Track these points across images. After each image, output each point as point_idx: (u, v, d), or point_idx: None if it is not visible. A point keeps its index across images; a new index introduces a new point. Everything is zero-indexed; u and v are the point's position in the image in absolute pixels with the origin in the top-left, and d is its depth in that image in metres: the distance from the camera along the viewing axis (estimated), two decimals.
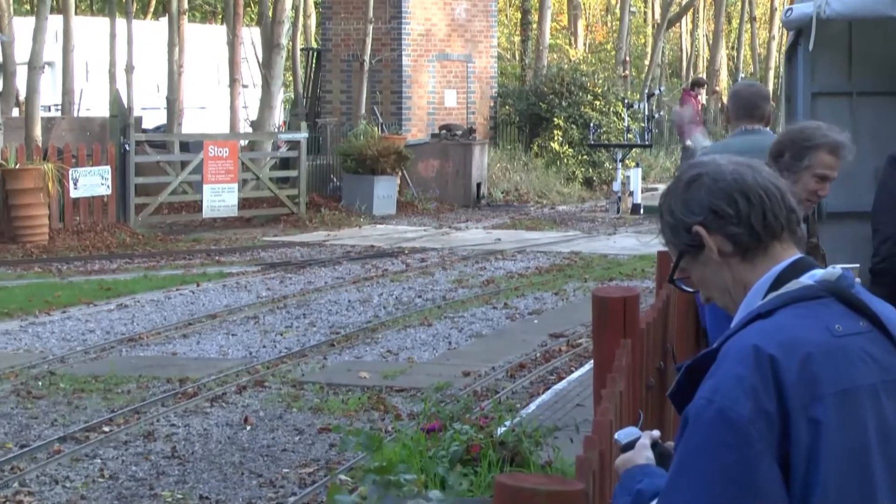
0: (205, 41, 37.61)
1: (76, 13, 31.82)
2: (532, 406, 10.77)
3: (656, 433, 3.11)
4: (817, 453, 2.61)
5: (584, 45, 50.80)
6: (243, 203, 25.67)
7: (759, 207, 2.80)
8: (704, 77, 43.10)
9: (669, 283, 2.97)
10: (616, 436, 3.17)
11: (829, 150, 5.73)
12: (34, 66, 23.84)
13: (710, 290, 2.89)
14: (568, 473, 6.61)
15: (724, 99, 46.14)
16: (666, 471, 2.93)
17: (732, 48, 55.08)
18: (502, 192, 30.75)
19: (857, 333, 2.72)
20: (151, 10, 49.48)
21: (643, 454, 3.02)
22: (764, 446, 2.59)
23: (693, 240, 2.84)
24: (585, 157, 32.65)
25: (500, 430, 7.42)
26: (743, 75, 43.93)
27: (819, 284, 2.76)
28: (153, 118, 32.97)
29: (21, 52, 25.52)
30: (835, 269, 2.81)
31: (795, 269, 2.79)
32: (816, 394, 2.63)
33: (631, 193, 27.76)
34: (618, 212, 27.52)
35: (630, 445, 3.08)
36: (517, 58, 43.82)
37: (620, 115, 32.12)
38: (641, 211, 27.03)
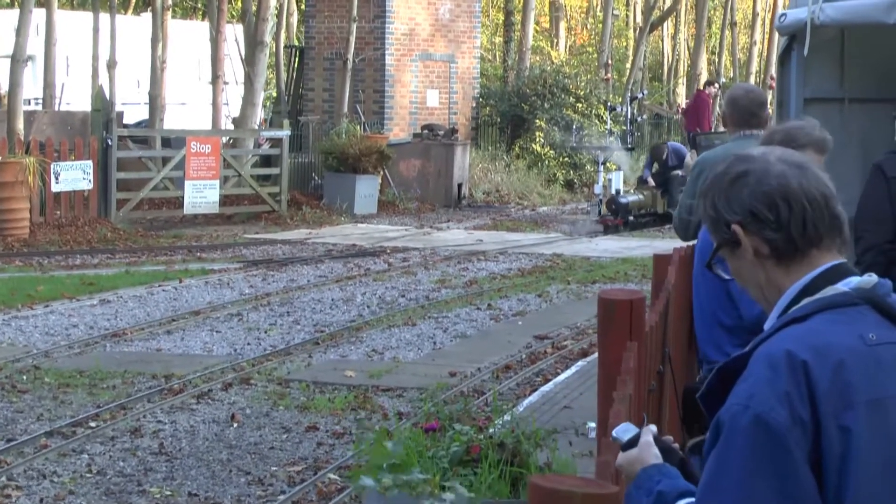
0: (187, 37, 37.48)
1: (57, 6, 31.70)
2: (520, 408, 10.76)
3: (654, 428, 3.07)
4: (848, 462, 2.59)
5: (566, 47, 50.85)
6: (224, 200, 25.62)
7: (799, 216, 2.76)
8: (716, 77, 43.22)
9: (706, 269, 2.95)
10: (614, 433, 3.10)
11: (816, 148, 5.76)
12: (17, 59, 23.74)
13: (745, 283, 2.87)
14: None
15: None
16: (673, 467, 2.92)
17: (713, 53, 55.21)
18: (483, 193, 30.75)
19: (891, 343, 2.70)
20: (132, 4, 49.30)
21: (651, 452, 2.98)
22: (800, 453, 2.58)
23: (732, 236, 2.82)
24: (566, 158, 32.66)
25: (493, 430, 7.41)
26: (724, 80, 43.98)
27: (855, 292, 2.74)
28: (134, 113, 32.88)
29: (1, 45, 25.41)
30: (871, 277, 2.78)
31: (830, 276, 2.77)
32: (848, 402, 2.61)
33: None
34: (599, 214, 27.51)
35: (631, 443, 3.04)
36: (499, 59, 43.84)
37: (602, 117, 32.15)
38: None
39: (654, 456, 2.96)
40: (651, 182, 26.37)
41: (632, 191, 26.82)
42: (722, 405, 2.70)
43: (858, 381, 2.63)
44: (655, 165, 26.59)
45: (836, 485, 2.59)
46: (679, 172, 25.64)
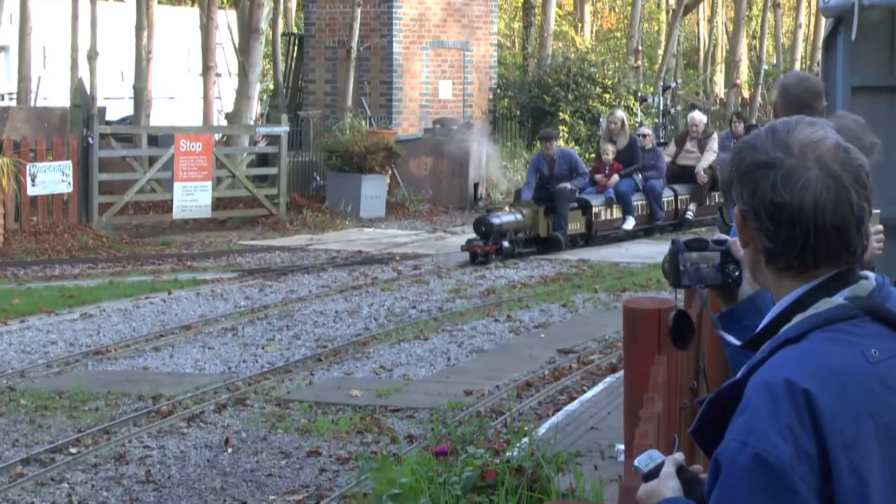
0: (175, 25, 37.64)
1: None
2: (542, 429, 10.78)
3: (680, 456, 3.04)
4: (867, 495, 2.60)
5: (592, 32, 50.88)
6: (217, 203, 25.67)
7: (799, 241, 2.72)
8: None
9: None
10: (636, 462, 3.09)
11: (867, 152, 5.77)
12: None
13: (740, 241, 2.89)
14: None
15: (745, 93, 46.22)
16: (695, 500, 2.92)
17: (754, 37, 55.14)
18: (502, 194, 30.74)
19: (894, 356, 2.70)
20: None
21: (669, 484, 2.96)
22: (807, 490, 2.57)
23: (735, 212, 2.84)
24: (593, 154, 32.66)
25: (511, 453, 7.43)
26: (766, 67, 43.99)
27: (851, 302, 2.73)
28: (117, 109, 32.98)
29: None
30: (868, 282, 2.77)
31: (826, 287, 2.76)
32: (857, 430, 2.61)
33: None
34: None
35: (653, 473, 3.04)
36: (518, 46, 43.87)
37: (632, 109, 32.16)
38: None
39: (671, 489, 2.94)
40: (525, 196, 22.68)
41: (507, 208, 22.79)
42: (716, 440, 2.69)
43: (865, 406, 2.63)
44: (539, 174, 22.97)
45: None
46: (567, 185, 22.69)
